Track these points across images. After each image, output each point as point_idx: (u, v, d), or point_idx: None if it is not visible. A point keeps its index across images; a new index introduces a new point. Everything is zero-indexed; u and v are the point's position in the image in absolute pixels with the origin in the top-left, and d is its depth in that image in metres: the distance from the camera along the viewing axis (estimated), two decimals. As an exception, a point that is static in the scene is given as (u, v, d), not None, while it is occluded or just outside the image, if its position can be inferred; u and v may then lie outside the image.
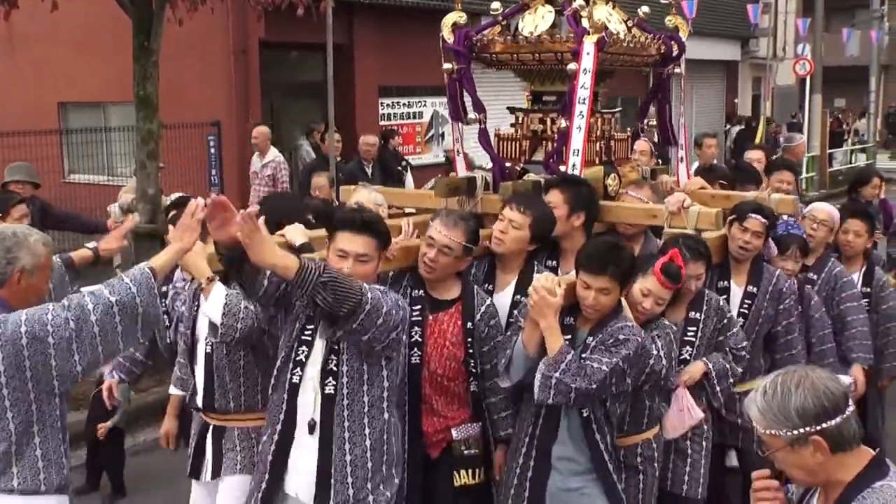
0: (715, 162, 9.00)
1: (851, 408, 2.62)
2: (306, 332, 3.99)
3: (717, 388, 4.84)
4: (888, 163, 31.65)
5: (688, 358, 4.80)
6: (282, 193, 11.50)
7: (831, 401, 2.57)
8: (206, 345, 4.60)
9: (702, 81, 27.06)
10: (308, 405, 3.96)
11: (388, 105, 17.44)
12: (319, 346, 3.96)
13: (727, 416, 5.25)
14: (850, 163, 28.26)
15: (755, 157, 8.15)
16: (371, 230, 3.99)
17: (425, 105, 17.82)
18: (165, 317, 5.31)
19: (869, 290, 6.29)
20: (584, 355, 4.14)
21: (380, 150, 13.26)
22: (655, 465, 4.62)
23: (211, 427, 4.64)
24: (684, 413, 4.72)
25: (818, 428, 2.57)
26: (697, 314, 4.86)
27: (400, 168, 14.02)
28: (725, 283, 5.34)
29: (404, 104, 17.79)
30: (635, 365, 4.20)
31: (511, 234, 4.64)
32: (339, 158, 12.47)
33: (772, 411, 2.60)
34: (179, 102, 13.03)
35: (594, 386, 4.03)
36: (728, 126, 26.74)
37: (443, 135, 17.29)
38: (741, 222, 5.20)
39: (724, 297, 5.23)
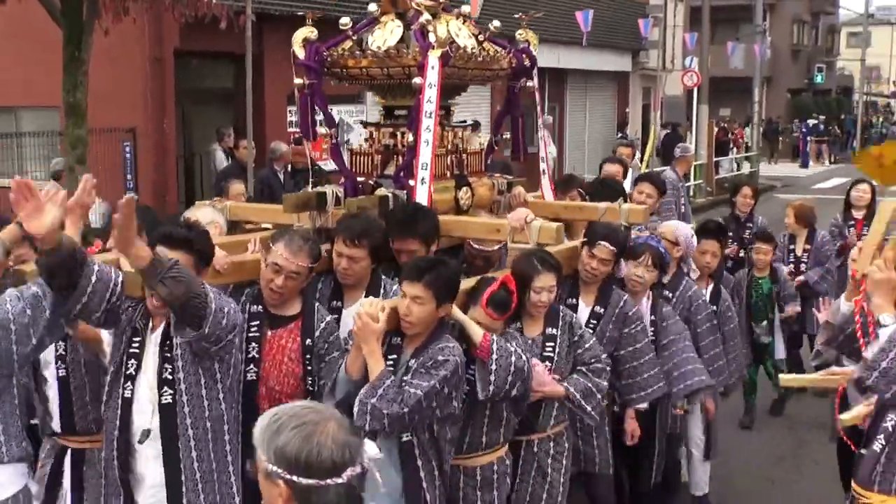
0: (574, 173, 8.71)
1: (342, 482, 2.16)
2: (133, 345, 3.77)
3: (588, 408, 4.58)
4: (769, 170, 32.01)
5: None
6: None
7: (313, 459, 2.15)
8: (59, 369, 4.23)
9: (595, 91, 27.19)
10: (144, 416, 3.72)
11: (294, 112, 16.99)
12: (151, 356, 3.72)
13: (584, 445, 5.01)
14: (735, 170, 28.41)
15: (613, 170, 7.88)
16: (186, 246, 3.74)
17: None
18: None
19: (715, 308, 6.06)
20: (404, 378, 3.83)
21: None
22: (507, 480, 4.36)
23: (69, 451, 4.29)
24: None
25: (287, 477, 2.15)
26: (554, 330, 4.60)
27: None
28: (574, 300, 5.07)
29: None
30: (457, 386, 3.90)
31: (354, 268, 4.35)
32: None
33: (263, 435, 2.21)
34: (94, 108, 12.53)
35: (405, 410, 3.71)
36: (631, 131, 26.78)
37: (347, 141, 16.90)
38: (591, 248, 4.93)
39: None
